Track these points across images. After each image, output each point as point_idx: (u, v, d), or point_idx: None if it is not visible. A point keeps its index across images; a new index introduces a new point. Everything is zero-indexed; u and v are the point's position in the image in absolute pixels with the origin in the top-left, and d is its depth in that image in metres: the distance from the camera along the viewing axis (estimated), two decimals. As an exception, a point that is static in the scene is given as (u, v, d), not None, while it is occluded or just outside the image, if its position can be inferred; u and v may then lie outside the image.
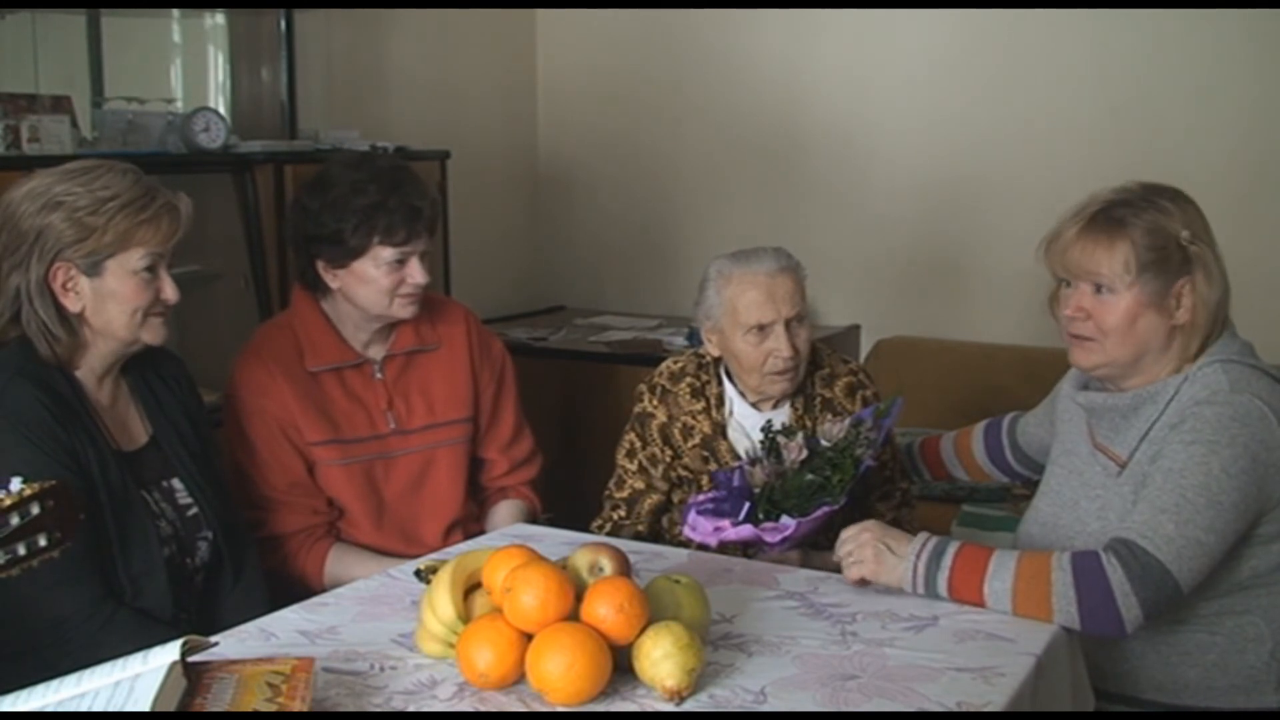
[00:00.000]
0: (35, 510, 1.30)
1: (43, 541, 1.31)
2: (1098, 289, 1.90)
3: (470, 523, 2.44)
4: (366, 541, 2.32)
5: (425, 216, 2.26)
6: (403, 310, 2.29)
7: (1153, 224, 1.87)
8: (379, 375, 2.35)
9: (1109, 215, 1.89)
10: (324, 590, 2.07)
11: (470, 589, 1.64)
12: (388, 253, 2.22)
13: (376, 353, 2.36)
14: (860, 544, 1.84)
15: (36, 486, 1.31)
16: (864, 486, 2.21)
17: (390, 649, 1.66)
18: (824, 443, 2.10)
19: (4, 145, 2.55)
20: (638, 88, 4.28)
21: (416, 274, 2.25)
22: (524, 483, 2.53)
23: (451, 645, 1.57)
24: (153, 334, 1.94)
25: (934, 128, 3.83)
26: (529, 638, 1.50)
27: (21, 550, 1.29)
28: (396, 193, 2.22)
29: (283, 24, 3.25)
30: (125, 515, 1.88)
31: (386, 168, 2.28)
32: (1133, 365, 1.92)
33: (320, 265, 2.27)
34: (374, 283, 2.24)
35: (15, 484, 1.31)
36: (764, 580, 1.91)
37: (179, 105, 3.12)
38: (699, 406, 2.31)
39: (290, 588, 2.20)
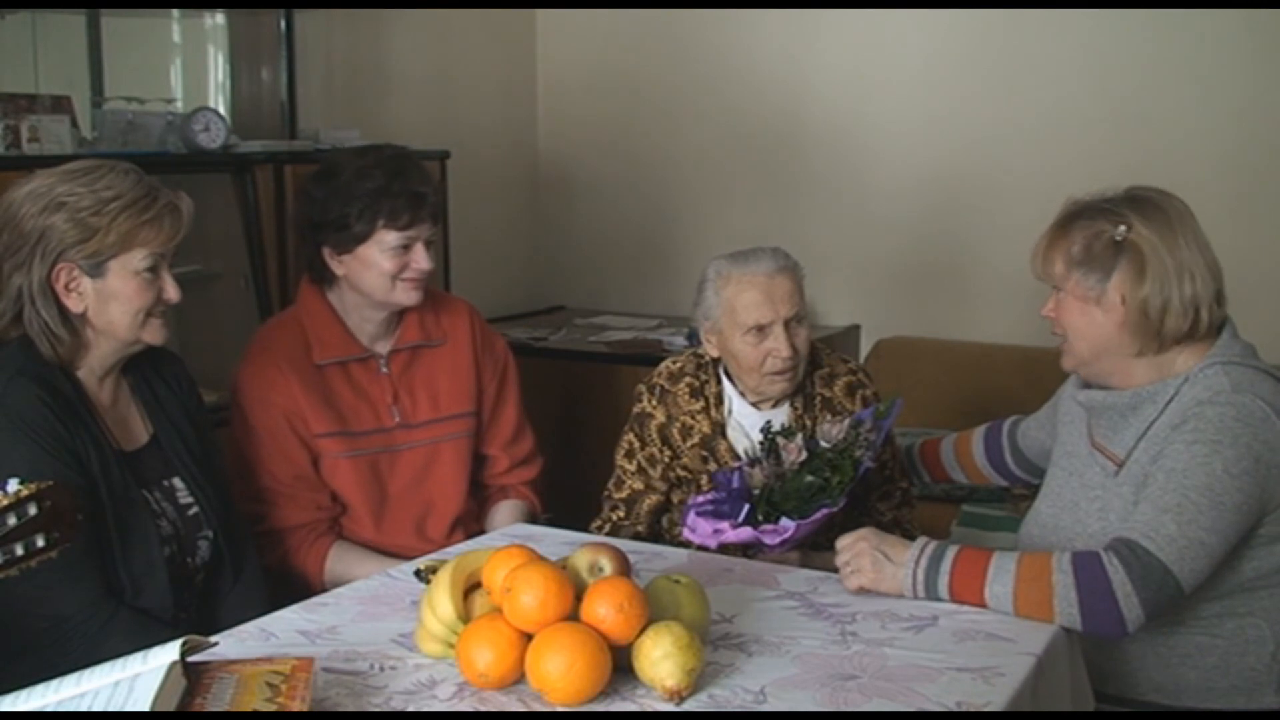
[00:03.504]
0: (32, 510, 1.29)
1: (40, 542, 1.30)
2: (1059, 290, 1.96)
3: (471, 521, 2.44)
4: (368, 537, 2.33)
5: (429, 202, 2.29)
6: (406, 296, 2.30)
7: (1096, 226, 1.90)
8: (385, 370, 2.37)
9: (1066, 219, 1.94)
10: (324, 588, 2.08)
11: (470, 589, 1.64)
12: (392, 237, 2.24)
13: (382, 347, 2.38)
14: (857, 553, 1.84)
15: (34, 487, 1.30)
16: (864, 486, 2.21)
17: (390, 649, 1.66)
18: (823, 444, 2.11)
19: (4, 145, 2.55)
20: (638, 88, 4.28)
21: (421, 259, 2.28)
22: (524, 482, 2.53)
23: (451, 645, 1.57)
24: (153, 334, 1.94)
25: (934, 127, 3.83)
26: (529, 638, 1.50)
27: (19, 551, 1.28)
28: (401, 178, 2.25)
29: (283, 24, 3.25)
30: (126, 515, 1.88)
31: (391, 155, 2.32)
32: (1098, 364, 1.95)
33: (326, 252, 2.30)
34: (378, 267, 2.26)
35: (12, 485, 1.31)
36: (764, 580, 1.91)
37: (179, 105, 3.12)
38: (698, 406, 2.31)
39: (290, 584, 2.21)
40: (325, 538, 2.30)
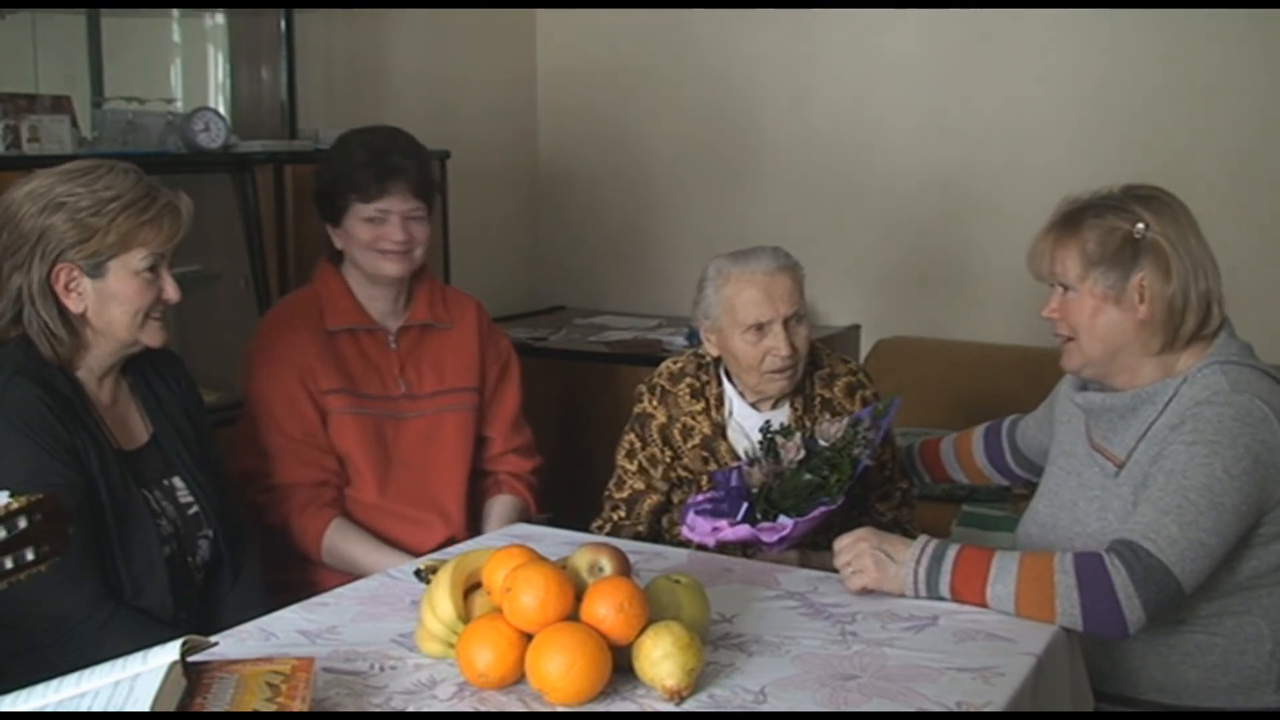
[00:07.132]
0: (23, 524, 1.27)
1: (30, 556, 1.28)
2: (1065, 290, 1.93)
3: (469, 498, 2.48)
4: (372, 502, 2.37)
5: (405, 176, 2.32)
6: (385, 266, 2.37)
7: (1109, 223, 1.89)
8: (393, 345, 2.44)
9: (1070, 217, 1.93)
10: (321, 562, 2.09)
11: (470, 589, 1.64)
12: (362, 209, 2.33)
13: (392, 323, 2.45)
14: (858, 553, 1.83)
15: (24, 500, 1.28)
16: (863, 486, 2.21)
17: (390, 649, 1.66)
18: (822, 443, 2.11)
19: (4, 145, 2.55)
20: (637, 87, 4.28)
21: (394, 231, 2.34)
22: (521, 472, 2.57)
23: (451, 645, 1.57)
24: (152, 336, 1.94)
25: (934, 127, 3.83)
26: (529, 638, 1.50)
27: (8, 564, 1.27)
28: (379, 152, 2.34)
29: (283, 24, 3.25)
30: (126, 514, 1.88)
31: (386, 131, 2.42)
32: (1111, 363, 1.93)
33: (328, 227, 2.41)
34: (357, 239, 2.35)
35: (2, 498, 1.29)
36: (764, 580, 1.91)
37: (179, 105, 3.12)
38: (698, 407, 2.31)
39: (288, 551, 2.26)
40: (328, 509, 2.33)
